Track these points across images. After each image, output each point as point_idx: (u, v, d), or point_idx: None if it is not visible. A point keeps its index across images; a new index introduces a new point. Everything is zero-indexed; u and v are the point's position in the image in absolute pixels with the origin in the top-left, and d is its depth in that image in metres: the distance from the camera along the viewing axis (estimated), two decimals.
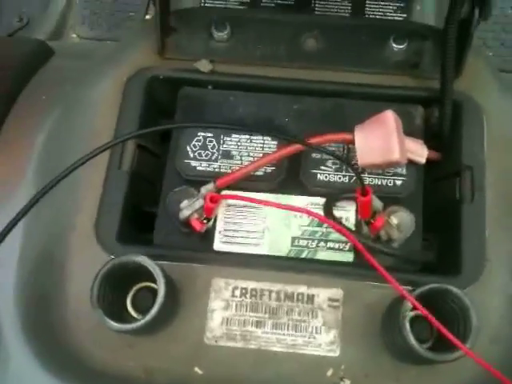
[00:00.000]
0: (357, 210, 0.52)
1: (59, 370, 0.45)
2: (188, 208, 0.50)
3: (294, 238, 0.52)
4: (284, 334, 0.48)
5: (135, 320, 0.43)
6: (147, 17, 0.87)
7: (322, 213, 0.51)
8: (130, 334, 0.46)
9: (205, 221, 0.50)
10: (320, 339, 0.48)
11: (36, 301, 0.47)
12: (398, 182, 0.52)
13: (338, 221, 0.49)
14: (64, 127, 0.54)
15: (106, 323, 0.41)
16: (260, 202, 0.49)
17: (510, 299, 0.49)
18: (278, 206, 0.48)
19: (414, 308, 0.42)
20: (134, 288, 0.48)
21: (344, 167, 0.53)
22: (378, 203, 0.50)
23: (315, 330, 0.49)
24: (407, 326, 0.41)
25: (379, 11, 0.66)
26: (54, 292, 0.48)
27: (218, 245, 0.52)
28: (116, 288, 0.45)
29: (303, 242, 0.52)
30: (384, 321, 0.47)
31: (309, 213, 0.47)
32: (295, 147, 0.49)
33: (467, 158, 0.52)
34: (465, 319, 0.42)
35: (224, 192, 0.52)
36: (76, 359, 0.47)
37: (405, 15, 0.68)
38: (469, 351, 0.40)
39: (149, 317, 0.41)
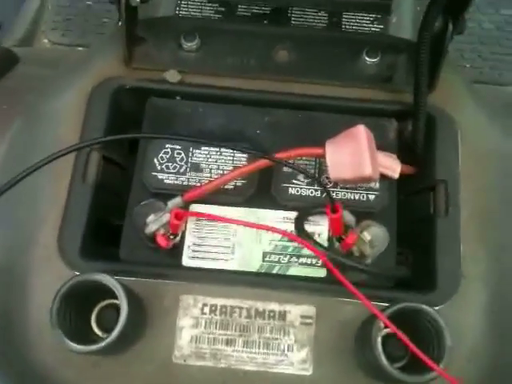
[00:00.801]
0: (329, 237, 0.54)
1: None
2: (154, 223, 0.51)
3: (265, 253, 0.55)
4: (255, 353, 0.50)
5: (99, 339, 0.44)
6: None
7: (293, 227, 0.53)
8: (95, 355, 0.48)
9: (171, 236, 0.51)
10: (292, 357, 0.50)
11: None
12: (371, 197, 0.55)
13: (309, 236, 0.51)
14: (25, 138, 0.55)
15: (66, 345, 0.42)
16: (227, 220, 0.51)
17: (486, 315, 0.52)
18: (247, 224, 0.50)
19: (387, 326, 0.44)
20: (99, 305, 0.50)
21: (315, 181, 0.55)
22: (350, 218, 0.53)
23: (287, 347, 0.51)
24: (379, 346, 0.43)
25: (356, 22, 0.70)
26: (16, 308, 0.49)
27: (187, 260, 0.54)
28: (78, 306, 0.46)
29: (275, 257, 0.55)
30: (357, 339, 0.49)
31: (277, 231, 0.49)
32: (265, 162, 0.52)
33: (441, 172, 0.55)
34: (439, 339, 0.44)
35: (192, 206, 0.54)
36: (38, 377, 0.48)
37: (381, 26, 0.71)
38: (442, 372, 0.41)
39: (111, 338, 0.42)
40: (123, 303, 0.42)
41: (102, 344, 0.42)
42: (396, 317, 0.44)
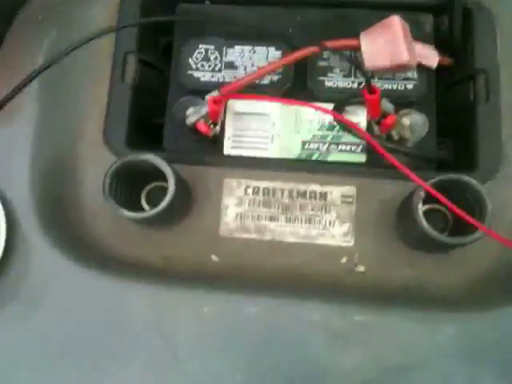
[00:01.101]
0: (368, 122, 0.60)
1: (79, 258, 0.53)
2: (194, 114, 0.57)
3: (304, 142, 0.62)
4: (298, 227, 0.59)
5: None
6: None
7: (331, 119, 0.59)
8: (146, 226, 0.56)
9: (211, 125, 0.58)
10: (334, 231, 0.58)
11: (51, 202, 0.57)
12: (409, 86, 0.62)
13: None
14: (62, 46, 0.65)
15: (118, 212, 0.48)
16: (265, 98, 0.56)
17: None
18: (289, 101, 0.56)
19: (429, 198, 0.48)
20: (148, 187, 0.59)
21: (352, 73, 0.63)
22: (389, 106, 0.58)
23: (329, 223, 0.59)
24: (420, 212, 0.48)
25: None
26: (68, 195, 0.56)
27: (228, 150, 0.62)
28: (129, 185, 0.51)
29: (314, 146, 0.62)
30: (398, 213, 0.57)
31: (324, 110, 0.54)
32: (302, 52, 0.56)
33: (480, 61, 0.59)
34: (480, 209, 0.48)
35: (229, 103, 0.60)
36: (95, 249, 0.55)
37: None
38: (486, 229, 0.46)
39: (161, 206, 0.48)
40: (169, 174, 0.49)
41: (153, 211, 0.49)
42: (438, 190, 0.48)
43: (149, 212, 0.49)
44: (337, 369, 0.48)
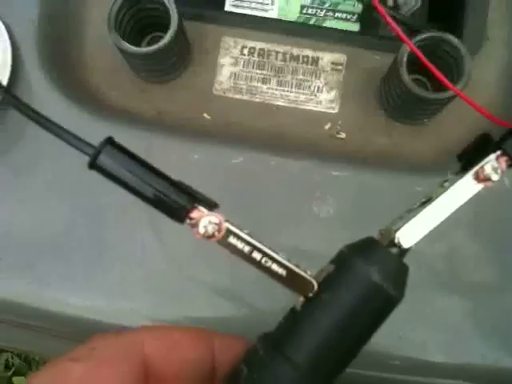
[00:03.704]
0: None
1: (77, 99, 0.56)
2: None
3: (303, 6, 0.63)
4: (288, 91, 0.61)
5: None
6: None
7: None
8: (143, 76, 0.59)
9: None
10: (321, 97, 0.61)
11: (54, 41, 0.59)
12: None
13: None
14: None
15: (120, 45, 0.49)
16: None
17: (506, 76, 0.61)
18: None
19: (413, 69, 0.50)
20: (148, 37, 0.60)
21: None
22: None
23: (317, 89, 0.61)
24: (404, 64, 0.50)
25: None
26: (73, 33, 0.58)
27: (229, 7, 0.63)
28: (132, 27, 0.53)
29: (312, 11, 0.63)
30: (383, 79, 0.58)
31: None
32: None
33: None
34: (458, 68, 0.50)
35: None
36: (92, 94, 0.58)
37: None
38: (458, 90, 0.47)
39: (164, 40, 0.49)
40: (173, 10, 0.50)
41: (154, 47, 0.50)
42: (421, 51, 0.49)
43: (149, 47, 0.50)
44: (311, 217, 0.52)
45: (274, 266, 0.29)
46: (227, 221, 0.29)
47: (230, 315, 0.52)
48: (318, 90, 0.57)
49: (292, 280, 0.29)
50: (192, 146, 0.52)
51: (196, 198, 0.29)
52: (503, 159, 0.32)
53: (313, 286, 0.29)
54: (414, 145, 0.55)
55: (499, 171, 0.31)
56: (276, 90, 0.57)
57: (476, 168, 0.32)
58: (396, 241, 0.30)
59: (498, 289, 0.52)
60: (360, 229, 0.52)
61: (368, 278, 0.28)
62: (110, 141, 0.28)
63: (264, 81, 0.57)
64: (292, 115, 0.56)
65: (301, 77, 0.57)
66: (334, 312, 0.27)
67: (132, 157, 0.28)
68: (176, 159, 0.52)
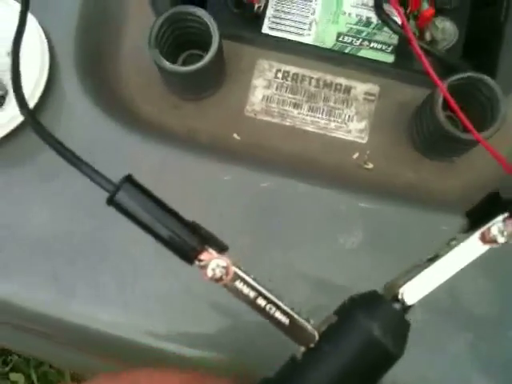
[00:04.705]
0: (405, 14, 0.62)
1: (109, 110, 0.56)
2: None
3: (339, 34, 0.63)
4: (318, 117, 0.60)
5: None
6: None
7: (370, 14, 0.60)
8: (178, 92, 0.59)
9: None
10: (351, 126, 0.61)
11: (92, 51, 0.58)
12: None
13: (388, 16, 0.59)
14: None
15: (160, 62, 0.50)
16: None
17: None
18: None
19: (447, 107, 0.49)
20: (185, 53, 0.60)
21: None
22: (426, 6, 0.61)
23: (348, 117, 0.61)
24: (440, 104, 0.50)
25: None
26: (109, 47, 0.59)
27: (267, 29, 0.63)
28: (171, 42, 0.53)
29: (348, 39, 0.63)
30: (415, 113, 0.58)
31: None
32: None
33: None
34: (493, 110, 0.50)
35: None
36: (125, 107, 0.58)
37: None
38: (478, 135, 0.47)
39: (203, 61, 0.50)
40: (214, 30, 0.51)
41: (192, 67, 0.51)
42: (455, 90, 0.49)
43: (188, 67, 0.51)
44: (335, 248, 0.52)
45: (278, 314, 0.29)
46: (235, 265, 0.29)
47: (243, 337, 0.51)
48: (348, 119, 0.57)
49: (294, 329, 0.29)
50: (221, 167, 0.52)
51: (207, 240, 0.29)
52: (510, 221, 0.31)
53: (314, 337, 0.29)
54: (442, 181, 0.55)
55: (505, 233, 0.31)
56: (307, 115, 0.57)
57: (482, 229, 0.31)
58: (399, 297, 0.30)
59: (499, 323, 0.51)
60: (383, 264, 0.52)
61: (369, 334, 0.28)
62: (129, 179, 0.28)
63: (296, 105, 0.57)
64: (321, 142, 0.56)
65: (332, 104, 0.57)
66: (334, 364, 0.27)
67: (149, 196, 0.29)
68: (204, 179, 0.51)
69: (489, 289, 0.52)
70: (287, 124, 0.56)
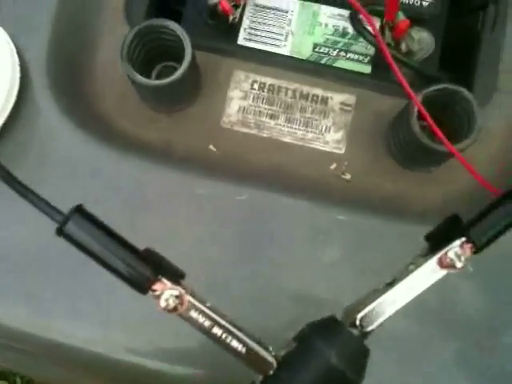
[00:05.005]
0: (381, 26, 0.62)
1: (83, 125, 0.55)
2: None
3: (316, 45, 0.63)
4: (295, 128, 0.60)
5: None
6: None
7: (346, 24, 0.60)
8: (152, 105, 0.58)
9: (234, 7, 0.60)
10: (328, 137, 0.60)
11: (66, 65, 0.57)
12: (425, 3, 0.61)
13: (364, 28, 0.59)
14: None
15: (133, 76, 0.49)
16: None
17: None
18: None
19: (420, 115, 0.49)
20: (159, 65, 0.59)
21: None
22: (403, 17, 0.60)
23: (325, 128, 0.60)
24: (415, 116, 0.50)
25: None
26: (84, 60, 0.58)
27: (242, 41, 0.62)
28: (144, 56, 0.52)
29: (324, 50, 0.63)
30: (392, 124, 0.58)
31: None
32: None
33: None
34: (469, 122, 0.50)
35: None
36: (100, 121, 0.57)
37: None
38: (453, 148, 0.46)
39: (176, 75, 0.49)
40: (187, 43, 0.50)
41: (166, 80, 0.50)
42: (430, 102, 0.49)
43: (161, 81, 0.50)
44: (314, 260, 0.52)
45: (234, 343, 0.29)
46: (190, 294, 0.29)
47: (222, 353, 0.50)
48: (325, 130, 0.56)
49: (251, 358, 0.29)
50: (197, 181, 0.51)
51: (161, 269, 0.28)
52: (468, 246, 0.31)
53: (272, 365, 0.29)
54: (420, 192, 0.55)
55: (463, 258, 0.31)
56: (284, 126, 0.56)
57: (440, 254, 0.31)
58: (358, 322, 0.30)
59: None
60: (362, 276, 0.52)
61: (327, 361, 0.28)
62: (78, 209, 0.28)
63: (272, 116, 0.56)
64: (298, 153, 0.56)
65: (309, 115, 0.56)
66: None
67: (99, 226, 0.28)
68: (180, 193, 0.51)
69: (480, 295, 0.51)
70: (264, 135, 0.56)
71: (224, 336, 0.28)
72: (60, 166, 0.52)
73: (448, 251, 0.31)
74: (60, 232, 0.27)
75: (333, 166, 0.55)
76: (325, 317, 0.30)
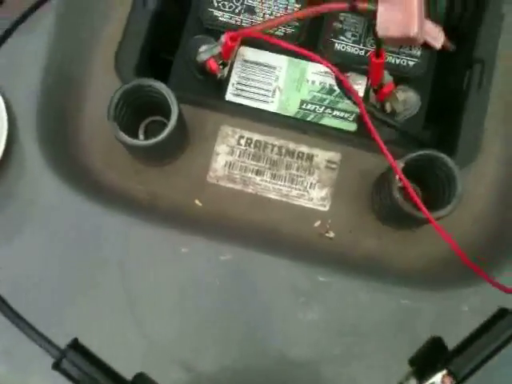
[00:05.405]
0: (366, 89, 0.63)
1: (71, 177, 0.55)
2: (206, 52, 0.58)
3: (302, 101, 0.63)
4: (281, 185, 0.60)
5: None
6: None
7: (332, 82, 0.62)
8: (139, 159, 0.58)
9: (221, 66, 0.60)
10: (313, 194, 0.60)
11: (54, 117, 0.58)
12: (411, 63, 0.63)
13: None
14: None
15: (119, 136, 0.49)
16: (278, 42, 0.55)
17: (497, 188, 0.61)
18: (295, 48, 0.54)
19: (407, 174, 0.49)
20: (147, 120, 0.60)
21: (362, 40, 0.63)
22: (388, 77, 0.61)
23: (310, 185, 0.61)
24: (396, 184, 0.50)
25: None
26: (72, 112, 0.58)
27: (230, 96, 0.63)
28: (131, 113, 0.53)
29: (311, 107, 0.63)
30: (375, 185, 0.59)
31: (322, 62, 0.55)
32: (326, 7, 0.56)
33: (481, 51, 0.63)
34: (450, 187, 0.51)
35: (241, 49, 0.61)
36: (87, 175, 0.58)
37: None
38: (430, 217, 0.47)
39: (162, 136, 0.50)
40: (174, 104, 0.50)
41: (152, 141, 0.50)
42: (413, 166, 0.50)
43: (148, 141, 0.50)
44: (296, 323, 0.53)
45: None
46: None
47: None
48: (310, 187, 0.57)
49: None
50: (181, 238, 0.52)
51: None
52: (448, 380, 0.32)
53: None
54: (403, 251, 0.56)
55: None
56: (269, 182, 0.56)
57: None
58: None
59: None
60: (342, 338, 0.52)
61: None
62: (74, 345, 0.30)
63: (258, 172, 0.57)
64: (283, 210, 0.56)
65: (295, 172, 0.57)
66: None
67: (94, 361, 0.31)
68: (164, 251, 0.51)
69: None
70: (249, 191, 0.56)
71: None
72: (43, 221, 0.52)
73: None
74: (56, 367, 0.30)
75: (317, 224, 0.56)
76: None
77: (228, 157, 0.57)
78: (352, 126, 0.60)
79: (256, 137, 0.57)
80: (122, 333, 0.49)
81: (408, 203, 0.49)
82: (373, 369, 0.51)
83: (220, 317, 0.51)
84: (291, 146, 0.57)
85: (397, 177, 0.48)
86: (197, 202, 0.56)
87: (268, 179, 0.57)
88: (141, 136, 0.56)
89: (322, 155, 0.57)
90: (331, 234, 0.56)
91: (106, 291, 0.51)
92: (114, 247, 0.52)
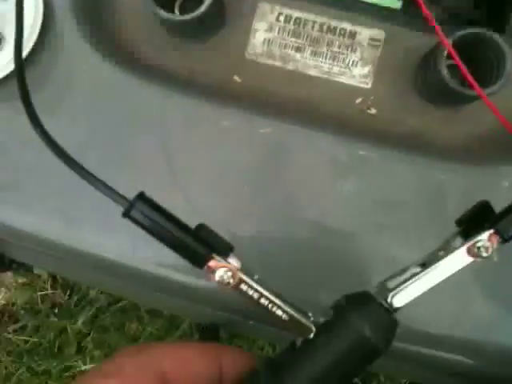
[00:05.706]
0: None
1: (109, 53, 0.54)
2: None
3: None
4: (321, 62, 0.58)
5: None
6: None
7: None
8: (177, 35, 0.57)
9: None
10: (355, 71, 0.59)
11: None
12: None
13: None
14: None
15: (156, 11, 0.49)
16: None
17: None
18: None
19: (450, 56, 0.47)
20: None
21: None
22: None
23: (352, 62, 0.59)
24: (444, 58, 0.48)
25: None
26: None
27: None
28: None
29: None
30: (421, 62, 0.57)
31: None
32: None
33: None
34: (499, 67, 0.48)
35: None
36: (126, 51, 0.56)
37: None
38: (481, 92, 0.45)
39: (199, 11, 0.49)
40: None
41: (189, 16, 0.49)
42: (461, 45, 0.48)
43: (185, 16, 0.49)
44: (334, 194, 0.52)
45: (279, 312, 0.33)
46: (240, 270, 0.32)
47: None
48: (352, 64, 0.55)
49: (293, 324, 0.33)
50: (221, 112, 0.51)
51: (213, 247, 0.32)
52: (495, 238, 0.33)
53: (311, 331, 0.33)
54: (445, 129, 0.54)
55: (490, 250, 0.33)
56: (310, 59, 0.55)
57: (469, 244, 0.33)
58: (389, 300, 0.33)
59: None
60: (380, 213, 0.51)
61: (361, 333, 0.32)
62: (141, 197, 0.32)
63: (298, 49, 0.55)
64: (323, 86, 0.54)
65: (336, 49, 0.55)
66: (327, 354, 0.31)
67: (159, 210, 0.32)
68: (205, 125, 0.50)
69: None
70: (289, 68, 0.55)
71: (270, 306, 0.33)
72: (84, 89, 0.52)
73: (477, 242, 0.33)
74: (126, 216, 0.31)
75: (358, 100, 0.54)
76: (360, 291, 0.34)
77: (267, 34, 0.55)
78: (397, 4, 0.57)
79: (296, 14, 0.55)
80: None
81: (455, 74, 0.47)
82: (409, 239, 0.50)
83: (258, 187, 0.50)
84: (333, 23, 0.55)
85: (445, 53, 0.46)
86: (236, 77, 0.54)
87: (308, 56, 0.55)
88: (177, 12, 0.54)
89: (365, 32, 0.55)
90: (373, 111, 0.54)
91: (146, 159, 0.51)
92: (152, 120, 0.51)
